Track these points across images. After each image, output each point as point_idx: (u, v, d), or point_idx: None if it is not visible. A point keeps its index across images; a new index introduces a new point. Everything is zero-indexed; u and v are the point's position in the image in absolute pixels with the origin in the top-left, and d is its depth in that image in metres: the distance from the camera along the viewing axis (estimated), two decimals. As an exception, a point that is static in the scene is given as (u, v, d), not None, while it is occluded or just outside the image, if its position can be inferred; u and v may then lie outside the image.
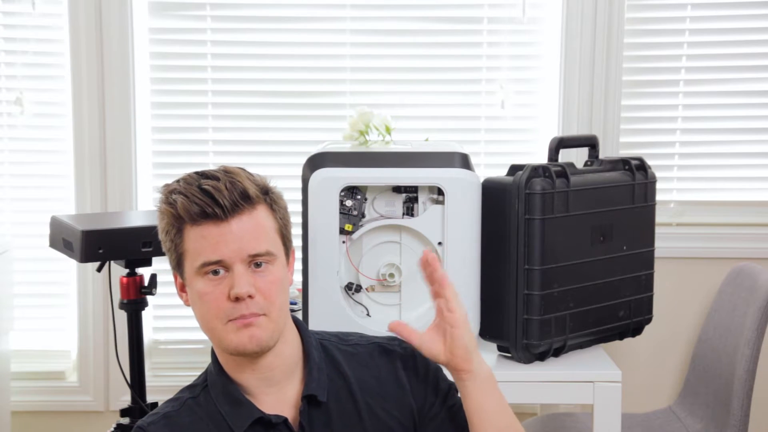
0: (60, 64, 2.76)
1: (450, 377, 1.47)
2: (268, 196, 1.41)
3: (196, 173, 1.40)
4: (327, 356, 1.47)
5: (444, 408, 1.47)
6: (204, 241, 1.35)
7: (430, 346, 1.39)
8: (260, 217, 1.38)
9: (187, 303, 1.43)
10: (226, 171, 1.39)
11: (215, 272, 1.36)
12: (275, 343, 1.39)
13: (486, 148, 2.80)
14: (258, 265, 1.37)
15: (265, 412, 1.40)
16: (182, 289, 1.44)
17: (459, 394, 1.44)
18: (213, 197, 1.34)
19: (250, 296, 1.34)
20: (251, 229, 1.36)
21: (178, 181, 1.40)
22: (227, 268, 1.35)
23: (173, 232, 1.39)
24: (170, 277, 2.83)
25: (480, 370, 1.39)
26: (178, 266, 1.41)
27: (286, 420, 1.40)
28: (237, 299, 1.34)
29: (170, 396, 1.48)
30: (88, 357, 2.82)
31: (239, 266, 1.35)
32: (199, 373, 1.50)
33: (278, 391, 1.43)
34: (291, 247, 1.46)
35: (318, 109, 2.79)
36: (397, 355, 1.49)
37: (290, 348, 1.44)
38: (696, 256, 2.82)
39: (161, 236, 1.42)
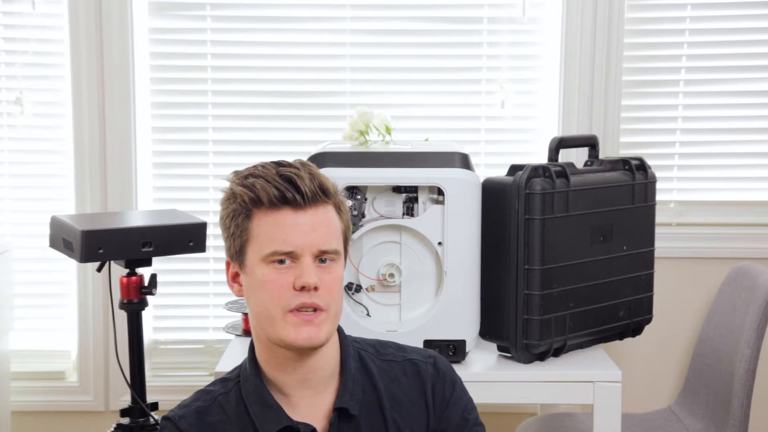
0: (60, 64, 2.76)
1: (469, 412, 1.44)
2: (337, 196, 1.40)
3: (271, 162, 1.38)
4: (363, 367, 1.44)
5: None
6: (278, 229, 1.33)
7: None
8: (331, 214, 1.38)
9: (239, 293, 1.40)
10: (303, 163, 1.38)
11: (281, 261, 1.34)
12: (328, 341, 1.37)
13: (486, 148, 2.79)
14: (323, 261, 1.35)
15: (294, 420, 1.37)
16: (234, 279, 1.41)
17: None
18: (294, 183, 1.33)
19: (315, 288, 1.33)
20: (325, 223, 1.35)
21: (250, 168, 1.38)
22: (295, 258, 1.34)
23: (241, 217, 1.36)
24: (170, 277, 2.84)
25: None
26: (238, 253, 1.38)
27: (314, 430, 1.38)
28: (303, 289, 1.32)
29: (171, 396, 1.47)
30: (88, 357, 2.81)
31: (308, 258, 1.33)
32: (198, 373, 1.50)
33: (313, 396, 1.40)
34: (348, 253, 1.45)
35: (318, 109, 2.79)
36: (428, 375, 1.46)
37: (331, 352, 1.41)
38: (696, 256, 2.82)
39: (225, 222, 1.39)
